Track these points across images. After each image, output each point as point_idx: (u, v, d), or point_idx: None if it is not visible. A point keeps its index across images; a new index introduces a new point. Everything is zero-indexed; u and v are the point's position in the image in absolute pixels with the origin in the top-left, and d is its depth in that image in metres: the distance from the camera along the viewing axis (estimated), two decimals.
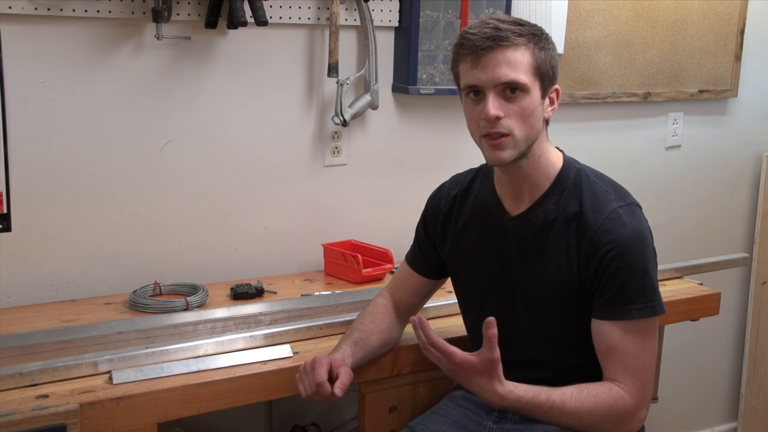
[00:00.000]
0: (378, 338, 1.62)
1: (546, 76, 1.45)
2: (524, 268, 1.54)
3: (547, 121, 1.51)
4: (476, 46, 1.42)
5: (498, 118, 1.42)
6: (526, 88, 1.42)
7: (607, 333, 1.46)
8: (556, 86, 1.49)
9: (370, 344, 1.60)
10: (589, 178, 1.53)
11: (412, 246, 1.74)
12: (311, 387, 1.47)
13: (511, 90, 1.42)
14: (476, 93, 1.44)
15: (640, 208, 1.52)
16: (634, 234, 1.46)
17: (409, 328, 1.74)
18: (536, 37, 1.44)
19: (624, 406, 1.44)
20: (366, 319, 1.65)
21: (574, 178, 1.52)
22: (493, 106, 1.41)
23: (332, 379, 1.47)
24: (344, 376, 1.49)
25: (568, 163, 1.55)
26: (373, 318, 1.65)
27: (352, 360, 1.56)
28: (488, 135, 1.44)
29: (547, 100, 1.48)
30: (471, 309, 1.66)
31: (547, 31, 1.49)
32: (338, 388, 1.46)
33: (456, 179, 1.68)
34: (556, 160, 1.54)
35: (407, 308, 1.71)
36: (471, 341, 1.69)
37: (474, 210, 1.61)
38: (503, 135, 1.43)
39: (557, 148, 1.57)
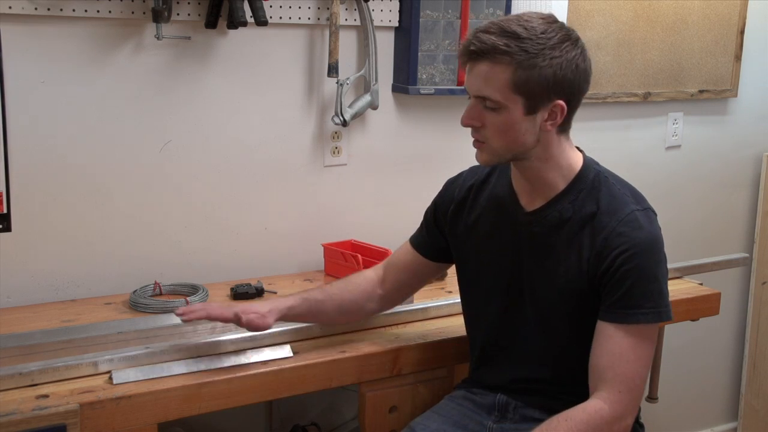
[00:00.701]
0: (334, 305, 1.67)
1: (533, 94, 1.40)
2: (534, 264, 1.54)
3: (563, 128, 1.48)
4: (462, 52, 1.44)
5: (471, 126, 1.46)
6: (500, 105, 1.41)
7: (608, 335, 1.45)
8: (559, 101, 1.42)
9: (324, 307, 1.66)
10: (608, 180, 1.52)
11: (419, 228, 1.74)
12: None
13: (487, 103, 1.43)
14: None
15: (656, 214, 1.52)
16: (648, 238, 1.46)
17: (401, 329, 1.74)
18: (526, 54, 1.38)
19: (602, 419, 1.41)
20: (337, 284, 1.70)
21: (592, 180, 1.51)
22: (468, 114, 1.45)
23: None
24: (248, 317, 1.56)
25: (588, 164, 1.54)
26: (343, 285, 1.70)
27: (286, 312, 1.62)
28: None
29: (545, 114, 1.43)
30: (474, 302, 1.66)
31: (563, 47, 1.41)
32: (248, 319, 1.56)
33: (474, 170, 1.68)
34: (575, 162, 1.52)
35: (394, 285, 1.71)
36: (470, 338, 1.69)
37: (489, 202, 1.61)
38: (480, 141, 1.47)
39: (578, 148, 1.55)
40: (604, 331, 1.46)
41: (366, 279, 1.71)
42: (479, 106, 1.44)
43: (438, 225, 1.69)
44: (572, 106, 1.46)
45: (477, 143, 1.48)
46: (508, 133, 1.44)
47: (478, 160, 1.51)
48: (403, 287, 1.73)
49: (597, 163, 1.56)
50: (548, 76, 1.40)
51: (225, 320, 1.58)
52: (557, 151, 1.49)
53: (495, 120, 1.43)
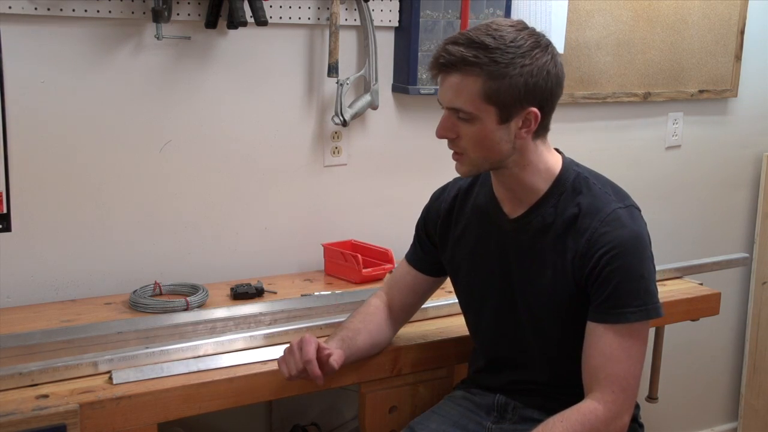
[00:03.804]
0: (366, 338, 1.61)
1: (505, 103, 1.40)
2: (523, 270, 1.54)
3: (541, 133, 1.47)
4: (432, 66, 1.44)
5: (446, 137, 1.45)
6: (472, 116, 1.41)
7: (598, 336, 1.44)
8: (532, 109, 1.41)
9: (357, 344, 1.59)
10: (588, 180, 1.51)
11: (412, 245, 1.73)
12: (297, 366, 1.46)
13: (460, 114, 1.42)
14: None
15: (640, 211, 1.51)
16: (632, 236, 1.45)
17: (405, 330, 1.74)
18: (496, 64, 1.38)
19: (597, 419, 1.41)
20: (355, 319, 1.64)
21: (573, 182, 1.51)
22: (442, 126, 1.45)
23: (320, 360, 1.47)
24: (337, 354, 1.49)
25: (567, 166, 1.53)
26: (362, 318, 1.64)
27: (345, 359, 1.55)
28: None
29: (519, 122, 1.42)
30: (471, 310, 1.66)
31: (546, 32, 1.45)
32: (334, 361, 1.47)
33: (458, 181, 1.68)
34: (553, 165, 1.51)
35: (401, 308, 1.70)
36: (474, 339, 1.69)
37: (474, 212, 1.61)
38: (458, 153, 1.46)
39: (557, 149, 1.55)
40: (593, 331, 1.45)
41: (377, 308, 1.67)
42: (452, 117, 1.43)
43: (430, 238, 1.69)
44: (546, 112, 1.45)
45: (455, 155, 1.48)
46: (483, 143, 1.43)
47: (458, 172, 1.51)
48: (407, 307, 1.70)
49: (577, 164, 1.55)
50: (519, 84, 1.39)
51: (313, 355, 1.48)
52: (534, 156, 1.48)
53: (469, 131, 1.43)
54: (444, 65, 1.41)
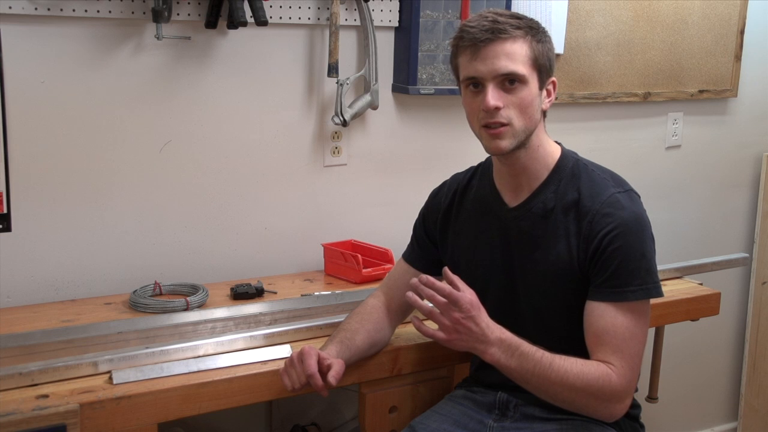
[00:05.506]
0: (364, 338, 1.61)
1: (543, 68, 1.48)
2: (524, 258, 1.55)
3: (544, 113, 1.53)
4: (476, 39, 1.45)
5: (497, 109, 1.45)
6: (525, 79, 1.45)
7: (599, 315, 1.46)
8: (553, 78, 1.52)
9: (356, 344, 1.59)
10: (587, 167, 1.55)
11: (410, 243, 1.74)
12: (300, 379, 1.46)
13: (510, 81, 1.45)
14: (475, 85, 1.47)
15: (639, 196, 1.54)
16: (632, 217, 1.47)
17: (401, 329, 1.74)
18: (533, 30, 1.47)
19: (610, 384, 1.43)
20: (353, 319, 1.64)
21: (572, 168, 1.54)
22: (492, 96, 1.44)
23: (321, 372, 1.46)
24: (337, 366, 1.48)
25: (566, 153, 1.57)
26: (359, 318, 1.64)
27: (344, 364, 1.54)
28: (487, 125, 1.47)
29: (544, 92, 1.51)
30: None
31: (547, 30, 1.52)
32: (332, 377, 1.45)
33: (456, 177, 1.70)
34: (554, 151, 1.56)
35: (399, 307, 1.69)
36: None
37: (473, 205, 1.63)
38: (503, 125, 1.46)
39: (556, 141, 1.59)
40: (595, 310, 1.47)
41: (374, 308, 1.67)
42: (499, 87, 1.45)
43: (429, 236, 1.69)
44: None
45: (499, 129, 1.46)
46: (528, 109, 1.46)
47: (497, 148, 1.48)
48: (406, 307, 1.69)
49: (575, 153, 1.59)
50: (550, 51, 1.49)
51: (315, 368, 1.46)
52: (542, 136, 1.54)
53: (517, 97, 1.45)
54: (493, 31, 1.43)
